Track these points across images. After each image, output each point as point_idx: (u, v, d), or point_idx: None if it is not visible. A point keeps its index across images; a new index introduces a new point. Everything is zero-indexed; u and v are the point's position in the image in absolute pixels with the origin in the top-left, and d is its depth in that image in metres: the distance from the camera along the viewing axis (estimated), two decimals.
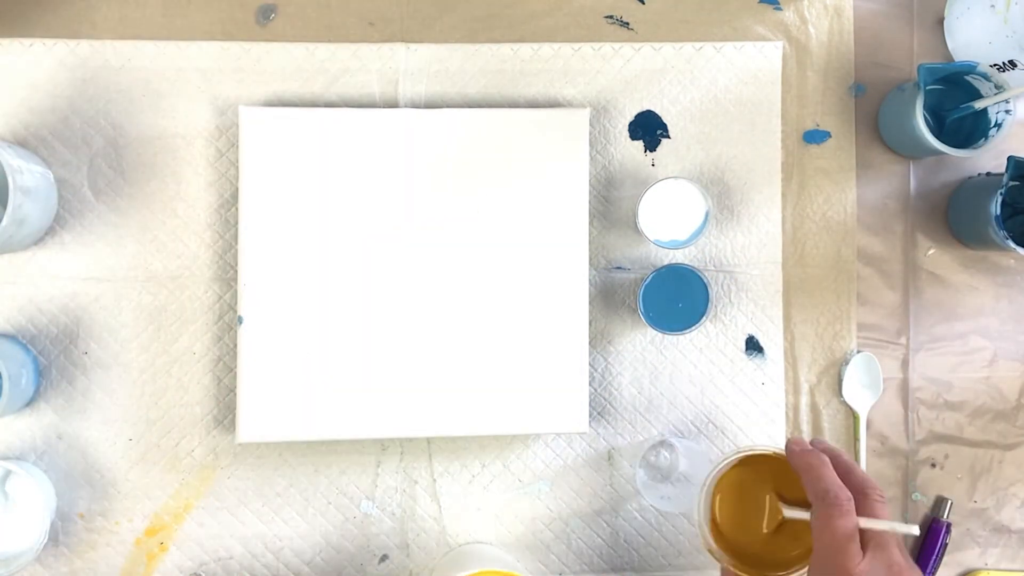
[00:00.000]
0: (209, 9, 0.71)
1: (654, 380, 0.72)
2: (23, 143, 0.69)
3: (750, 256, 0.73)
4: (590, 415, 0.70)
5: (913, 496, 0.74)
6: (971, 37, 0.72)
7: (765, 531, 0.62)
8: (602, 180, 0.73)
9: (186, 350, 0.70)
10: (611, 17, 0.73)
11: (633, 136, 0.73)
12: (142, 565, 0.69)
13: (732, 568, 0.60)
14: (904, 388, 0.74)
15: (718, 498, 0.63)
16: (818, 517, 0.55)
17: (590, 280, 0.71)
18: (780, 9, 0.74)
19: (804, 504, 0.58)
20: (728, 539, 0.62)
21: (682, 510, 0.71)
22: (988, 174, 0.74)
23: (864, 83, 0.74)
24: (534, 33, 0.73)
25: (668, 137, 0.73)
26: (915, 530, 0.54)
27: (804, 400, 0.73)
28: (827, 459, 0.57)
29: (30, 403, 0.68)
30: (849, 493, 0.55)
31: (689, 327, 0.68)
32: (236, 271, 0.69)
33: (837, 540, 0.53)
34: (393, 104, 0.71)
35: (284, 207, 0.67)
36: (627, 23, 0.73)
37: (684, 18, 0.74)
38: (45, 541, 0.64)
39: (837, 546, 0.53)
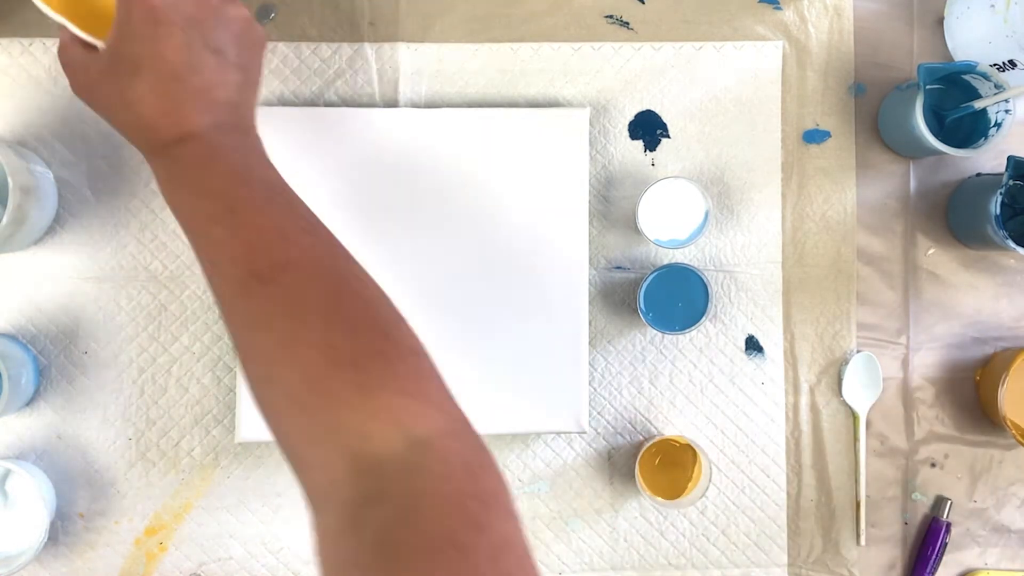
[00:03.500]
0: None
1: (654, 380, 0.72)
2: (23, 143, 0.69)
3: (750, 256, 0.73)
4: (590, 415, 0.71)
5: (913, 496, 0.74)
6: (971, 37, 0.72)
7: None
8: (602, 180, 0.73)
9: (186, 350, 0.70)
10: (611, 17, 0.73)
11: (633, 136, 0.73)
12: (142, 565, 0.69)
13: None
14: (904, 388, 0.74)
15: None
16: None
17: (590, 280, 0.71)
18: (780, 9, 0.74)
19: None
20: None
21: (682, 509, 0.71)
22: (978, 175, 0.74)
23: (864, 83, 0.74)
24: (534, 33, 0.73)
25: (668, 137, 0.73)
26: None
27: (804, 400, 0.73)
28: None
29: (30, 403, 0.68)
30: None
31: (689, 327, 0.68)
32: None
33: None
34: (393, 104, 0.71)
35: None
36: (627, 23, 0.73)
37: (684, 18, 0.74)
38: (45, 541, 0.64)
39: None
